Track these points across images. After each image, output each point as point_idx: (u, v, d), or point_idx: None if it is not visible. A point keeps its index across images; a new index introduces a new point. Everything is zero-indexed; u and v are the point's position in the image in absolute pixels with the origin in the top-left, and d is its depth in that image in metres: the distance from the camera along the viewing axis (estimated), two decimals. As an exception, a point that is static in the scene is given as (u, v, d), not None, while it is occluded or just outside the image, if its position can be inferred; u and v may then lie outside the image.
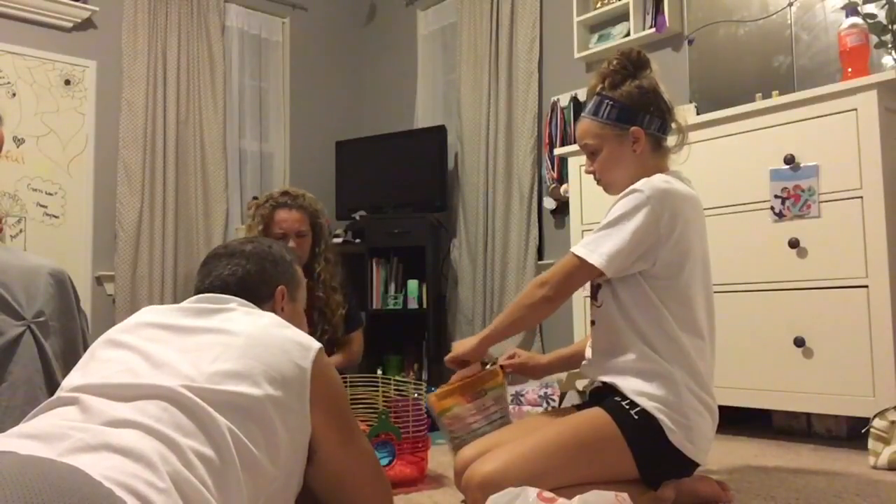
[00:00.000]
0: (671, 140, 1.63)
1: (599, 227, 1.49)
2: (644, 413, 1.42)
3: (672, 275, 1.47)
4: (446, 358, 1.69)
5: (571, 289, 1.51)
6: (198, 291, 1.23)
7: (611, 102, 1.57)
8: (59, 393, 0.98)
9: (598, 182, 1.65)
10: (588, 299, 2.89)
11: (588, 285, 1.61)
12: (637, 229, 1.43)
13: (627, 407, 1.44)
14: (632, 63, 1.58)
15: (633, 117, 1.55)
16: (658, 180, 1.48)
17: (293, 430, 1.03)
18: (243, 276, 1.23)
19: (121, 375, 0.97)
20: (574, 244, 2.98)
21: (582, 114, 1.64)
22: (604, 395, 1.52)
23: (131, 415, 0.88)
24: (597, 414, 1.46)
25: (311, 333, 2.31)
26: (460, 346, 1.67)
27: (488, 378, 1.70)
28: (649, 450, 1.42)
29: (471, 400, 1.67)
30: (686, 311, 1.48)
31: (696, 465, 1.48)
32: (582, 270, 1.48)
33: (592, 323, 1.62)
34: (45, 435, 0.82)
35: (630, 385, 1.46)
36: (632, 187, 1.48)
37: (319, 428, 1.08)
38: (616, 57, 1.60)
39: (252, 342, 1.04)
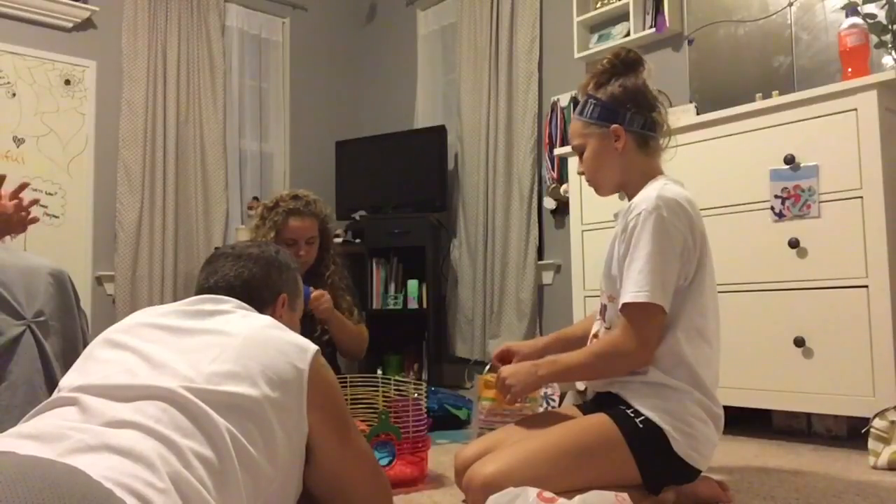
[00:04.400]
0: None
1: (640, 261, 1.44)
2: (648, 422, 1.42)
3: (693, 284, 1.47)
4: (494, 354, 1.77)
5: (658, 336, 1.47)
6: (200, 290, 1.25)
7: (594, 101, 1.58)
8: (57, 393, 0.98)
9: (589, 182, 1.65)
10: (588, 299, 2.90)
11: (599, 300, 1.63)
12: (675, 256, 1.44)
13: (632, 415, 1.44)
14: (622, 63, 1.59)
15: (613, 115, 1.56)
16: (665, 192, 1.46)
17: (290, 431, 1.03)
18: (248, 278, 1.25)
19: (120, 376, 0.97)
20: (574, 244, 3.01)
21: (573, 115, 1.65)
22: (607, 401, 1.52)
23: (131, 415, 0.88)
24: (601, 420, 1.45)
25: (314, 333, 2.31)
26: (512, 374, 1.59)
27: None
28: (653, 458, 1.42)
29: (509, 402, 1.68)
30: (700, 319, 1.48)
31: (699, 471, 1.48)
32: (661, 316, 1.45)
33: (595, 336, 1.62)
34: (45, 435, 0.82)
35: (634, 395, 1.46)
36: (646, 209, 1.45)
37: (316, 429, 1.08)
38: (608, 57, 1.61)
39: (249, 343, 1.04)
